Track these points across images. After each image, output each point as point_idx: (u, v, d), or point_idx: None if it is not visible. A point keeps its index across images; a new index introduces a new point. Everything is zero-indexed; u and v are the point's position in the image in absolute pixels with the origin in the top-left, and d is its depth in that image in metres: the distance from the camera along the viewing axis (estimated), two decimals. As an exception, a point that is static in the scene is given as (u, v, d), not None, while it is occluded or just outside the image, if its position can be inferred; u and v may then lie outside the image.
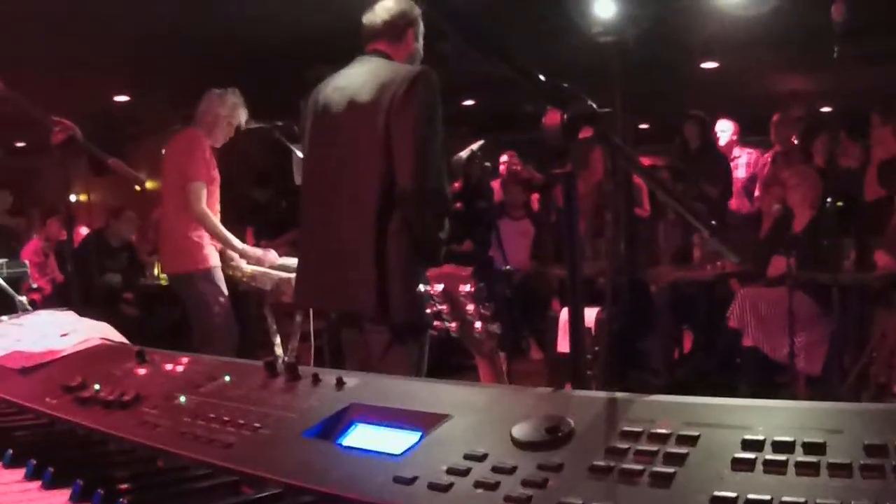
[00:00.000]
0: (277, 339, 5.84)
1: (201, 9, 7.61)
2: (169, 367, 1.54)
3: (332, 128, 3.79)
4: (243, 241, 6.08)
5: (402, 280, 3.57)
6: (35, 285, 7.11)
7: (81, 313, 2.46)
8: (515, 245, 8.21)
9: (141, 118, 12.60)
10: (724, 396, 1.08)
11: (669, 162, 8.58)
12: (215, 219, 5.66)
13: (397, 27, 3.79)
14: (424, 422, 1.13)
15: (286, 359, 3.90)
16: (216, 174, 5.70)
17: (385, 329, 3.66)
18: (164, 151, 6.20)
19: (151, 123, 12.87)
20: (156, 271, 8.50)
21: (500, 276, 6.72)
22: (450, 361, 5.87)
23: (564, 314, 5.58)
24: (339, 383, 1.30)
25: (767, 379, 6.06)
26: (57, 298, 8.21)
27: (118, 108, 11.97)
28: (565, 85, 1.41)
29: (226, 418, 1.23)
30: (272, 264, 5.72)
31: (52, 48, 8.37)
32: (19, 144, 15.20)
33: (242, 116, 5.87)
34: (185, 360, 1.56)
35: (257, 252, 5.84)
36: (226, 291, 5.77)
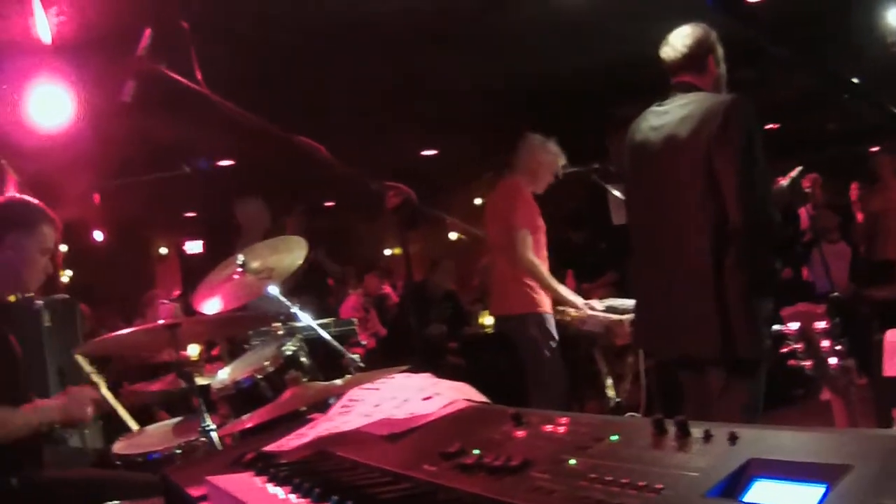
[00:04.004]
0: (609, 381, 6.03)
1: (503, 60, 8.09)
2: (549, 428, 1.61)
3: (653, 167, 3.93)
4: (563, 283, 6.38)
5: (744, 316, 3.63)
6: (363, 342, 7.75)
7: (410, 365, 2.68)
8: (833, 268, 8.23)
9: (448, 170, 13.53)
10: None
11: None
12: (543, 268, 6.00)
13: (698, 56, 3.96)
14: (828, 474, 1.14)
15: (619, 400, 4.10)
16: (541, 222, 6.05)
17: (724, 367, 3.72)
18: (479, 201, 6.66)
19: (459, 174, 13.81)
20: (480, 319, 8.97)
21: (824, 302, 6.63)
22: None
23: (890, 336, 5.42)
24: (733, 438, 1.33)
25: None
26: (381, 352, 8.89)
27: (426, 162, 12.92)
28: None
29: (624, 480, 1.28)
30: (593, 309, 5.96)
31: (363, 110, 9.27)
32: (328, 204, 16.77)
33: (562, 163, 6.25)
34: (563, 420, 1.62)
35: (581, 301, 6.12)
36: (556, 337, 6.07)
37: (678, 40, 3.99)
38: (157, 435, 4.39)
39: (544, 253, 6.26)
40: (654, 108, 4.02)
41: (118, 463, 4.06)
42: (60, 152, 7.00)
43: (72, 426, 3.72)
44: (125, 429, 4.92)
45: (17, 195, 4.00)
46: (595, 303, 6.18)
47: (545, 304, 6.25)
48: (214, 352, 7.37)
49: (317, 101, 8.54)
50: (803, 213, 8.34)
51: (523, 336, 6.33)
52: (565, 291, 6.25)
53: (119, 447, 4.24)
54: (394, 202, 2.88)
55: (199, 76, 3.07)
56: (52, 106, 6.16)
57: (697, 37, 3.97)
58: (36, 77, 6.17)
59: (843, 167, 10.39)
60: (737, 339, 3.65)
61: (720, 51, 4.02)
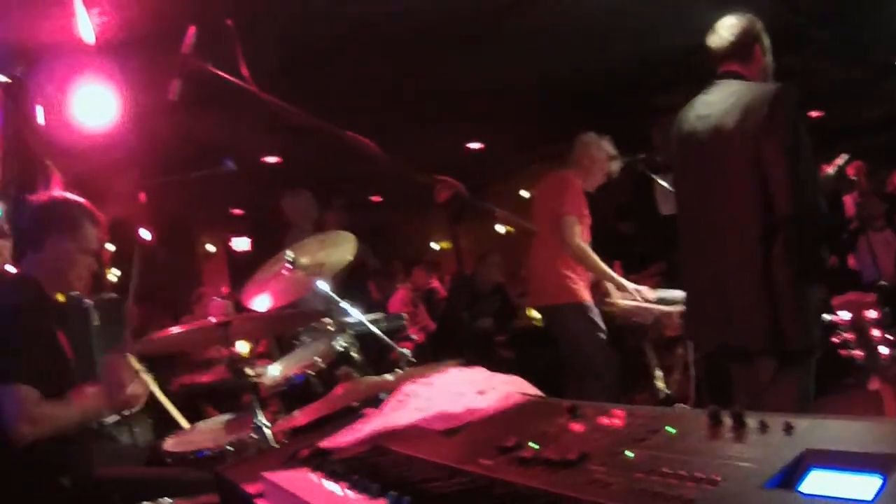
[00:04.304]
0: (658, 373, 6.04)
1: (543, 55, 8.11)
2: (605, 420, 1.63)
3: (701, 157, 3.98)
4: None
5: (792, 304, 3.66)
6: (414, 337, 7.81)
7: (460, 359, 2.71)
8: (879, 256, 8.32)
9: (493, 163, 13.59)
10: None
11: None
12: (591, 252, 6.05)
13: (744, 45, 4.02)
14: (885, 464, 1.16)
15: (668, 392, 4.12)
16: (587, 213, 6.11)
17: (774, 357, 3.74)
18: (525, 193, 6.66)
19: (504, 167, 13.87)
20: (528, 312, 9.00)
21: (873, 291, 6.60)
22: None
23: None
24: (788, 428, 1.35)
25: None
26: (430, 347, 8.93)
27: (471, 155, 12.98)
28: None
29: (681, 472, 1.30)
30: (646, 299, 5.97)
31: (411, 108, 9.33)
32: (374, 199, 16.89)
33: (615, 165, 6.30)
34: (619, 412, 1.64)
35: (632, 286, 6.14)
36: (602, 326, 6.10)
37: (725, 29, 4.05)
38: (208, 432, 4.43)
39: (588, 245, 6.31)
40: (701, 98, 4.06)
41: (169, 460, 4.12)
42: (106, 152, 7.09)
43: (120, 410, 3.75)
44: (175, 426, 4.98)
45: (60, 194, 4.02)
46: (646, 290, 6.19)
47: (584, 293, 6.30)
48: (261, 348, 7.44)
49: (361, 98, 8.61)
50: (849, 200, 8.29)
51: (563, 327, 6.39)
52: (615, 276, 6.29)
53: (170, 444, 4.30)
54: (444, 196, 2.91)
55: (245, 73, 3.10)
56: (96, 106, 6.26)
57: (744, 26, 4.03)
58: (80, 77, 6.26)
59: (889, 155, 10.32)
60: (785, 329, 3.68)
61: (766, 41, 4.08)
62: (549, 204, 6.33)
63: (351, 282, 7.20)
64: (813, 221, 3.67)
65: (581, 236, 6.20)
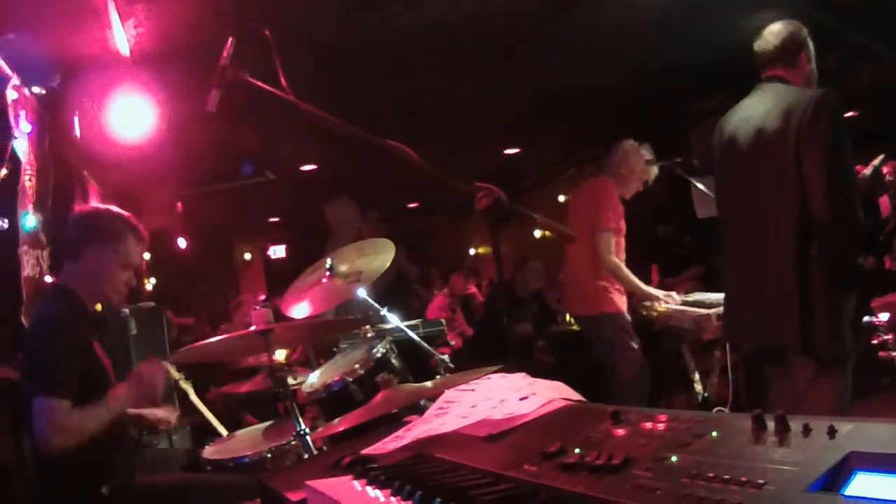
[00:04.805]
0: (696, 376, 6.04)
1: (581, 62, 8.12)
2: (648, 425, 1.65)
3: (742, 160, 4.01)
4: (648, 278, 6.45)
5: (825, 310, 3.67)
6: (452, 342, 7.83)
7: (499, 364, 2.74)
8: None
9: (531, 168, 13.59)
10: None
11: None
12: (624, 267, 6.07)
13: (790, 51, 4.08)
14: None
15: (706, 394, 4.14)
16: (623, 225, 6.14)
17: (810, 360, 3.75)
18: (565, 198, 6.69)
19: (541, 172, 13.87)
20: (568, 317, 9.01)
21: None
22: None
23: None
24: (832, 432, 1.36)
25: None
26: (468, 352, 8.95)
27: (508, 161, 13.01)
28: None
29: (726, 476, 1.31)
30: (677, 304, 5.97)
31: (447, 116, 9.37)
32: (411, 206, 16.96)
33: (653, 173, 6.30)
34: (662, 417, 1.66)
35: (662, 293, 6.15)
36: (634, 335, 6.12)
37: (771, 34, 4.10)
38: (247, 439, 4.49)
39: (622, 255, 6.33)
40: (744, 102, 4.10)
41: (208, 468, 4.16)
42: (143, 162, 7.16)
43: (147, 405, 3.79)
44: (214, 434, 5.03)
45: (103, 206, 4.08)
46: (674, 294, 6.20)
47: (619, 303, 6.32)
48: (296, 355, 7.47)
49: (399, 107, 8.65)
50: (885, 201, 8.20)
51: (599, 336, 6.42)
52: (645, 287, 6.30)
53: (209, 452, 4.35)
54: (484, 203, 2.92)
55: (284, 83, 3.13)
56: (133, 117, 6.33)
57: (790, 32, 4.08)
58: (117, 89, 6.33)
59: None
60: (817, 335, 3.69)
61: (811, 48, 4.09)
62: (585, 213, 6.36)
63: (391, 289, 7.24)
64: (850, 229, 3.68)
65: (615, 250, 6.22)
